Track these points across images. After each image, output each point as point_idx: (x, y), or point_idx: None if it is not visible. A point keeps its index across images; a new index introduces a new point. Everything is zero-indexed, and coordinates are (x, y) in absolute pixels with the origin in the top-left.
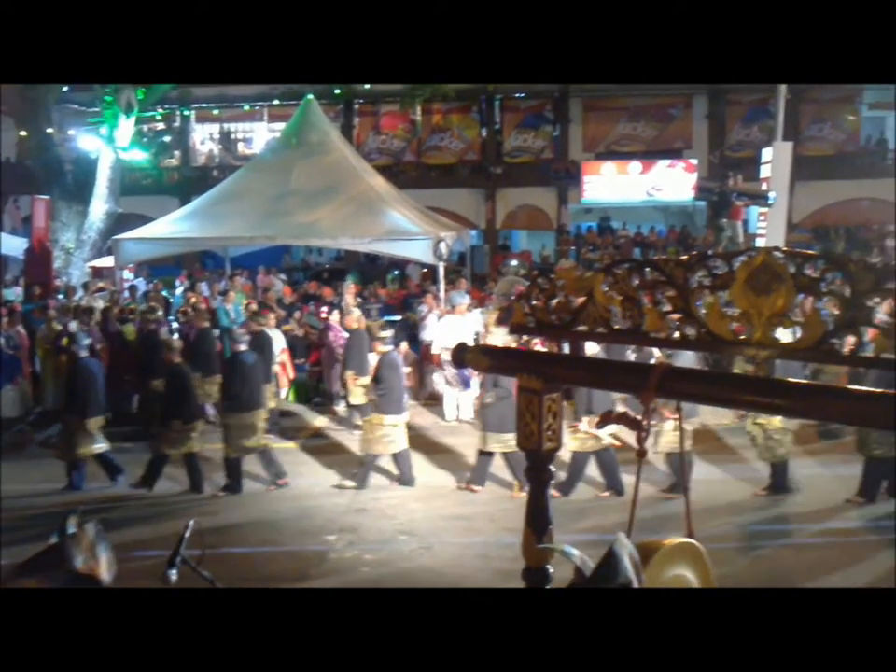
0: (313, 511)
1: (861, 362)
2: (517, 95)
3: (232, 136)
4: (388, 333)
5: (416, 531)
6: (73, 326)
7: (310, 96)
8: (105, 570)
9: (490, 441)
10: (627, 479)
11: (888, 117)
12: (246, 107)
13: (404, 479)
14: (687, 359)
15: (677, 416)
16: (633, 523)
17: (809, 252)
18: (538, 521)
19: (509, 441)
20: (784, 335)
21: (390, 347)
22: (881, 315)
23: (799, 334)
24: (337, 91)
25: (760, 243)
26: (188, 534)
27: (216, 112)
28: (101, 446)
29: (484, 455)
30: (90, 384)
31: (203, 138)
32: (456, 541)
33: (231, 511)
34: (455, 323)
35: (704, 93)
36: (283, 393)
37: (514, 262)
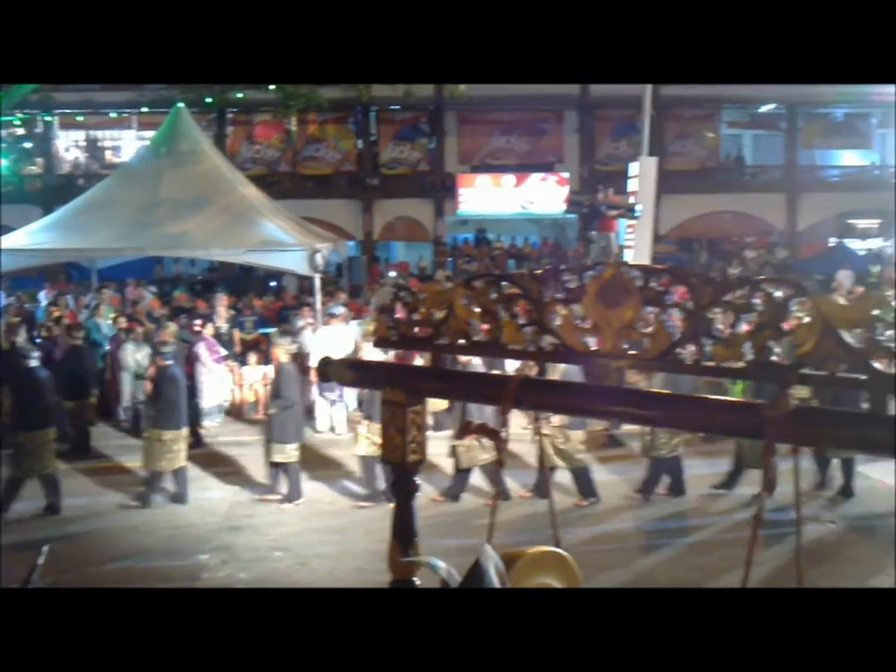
0: (185, 529)
1: (704, 371)
2: (393, 107)
3: (99, 144)
4: (169, 348)
5: (291, 547)
6: None
7: (180, 104)
8: None
9: (274, 451)
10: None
11: (744, 135)
12: (114, 114)
13: (179, 496)
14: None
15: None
16: (492, 531)
17: (654, 266)
18: (403, 533)
19: (290, 451)
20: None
21: (170, 362)
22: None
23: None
24: (209, 100)
25: (628, 254)
26: (41, 560)
27: (80, 118)
28: None
29: (276, 465)
30: None
31: (68, 145)
32: (332, 555)
33: (96, 532)
34: (329, 335)
35: (574, 108)
36: None
37: (392, 274)
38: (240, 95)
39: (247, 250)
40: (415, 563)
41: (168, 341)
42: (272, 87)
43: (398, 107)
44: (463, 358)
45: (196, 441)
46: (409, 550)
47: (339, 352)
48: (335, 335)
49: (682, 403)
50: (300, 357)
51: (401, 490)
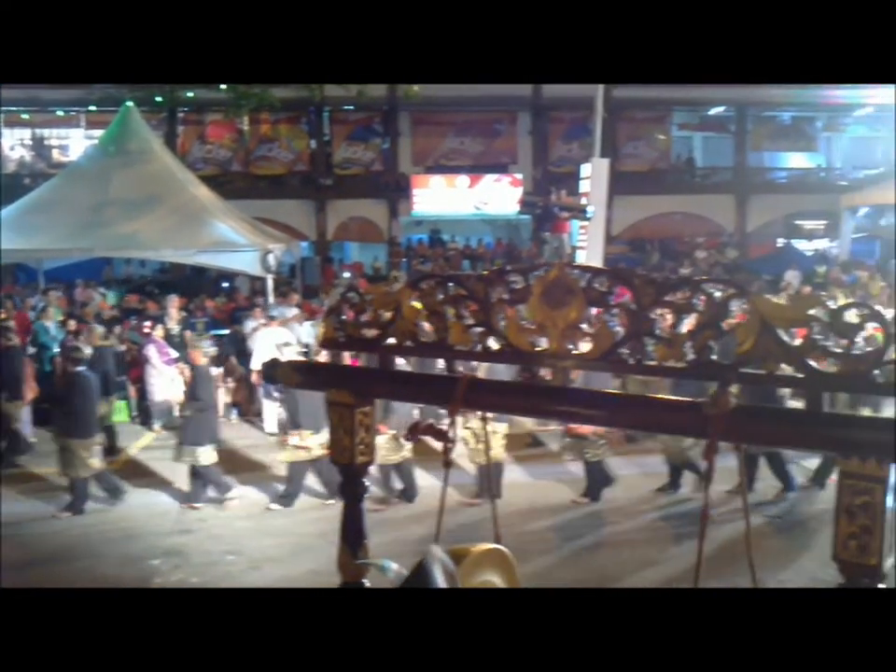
0: (135, 534)
1: (646, 371)
2: (346, 107)
3: (46, 142)
4: (84, 353)
5: (244, 551)
6: None
7: (129, 103)
8: None
9: (184, 454)
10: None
11: (695, 137)
12: (61, 112)
13: (76, 506)
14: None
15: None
16: (440, 531)
17: (598, 267)
18: (352, 535)
19: (199, 455)
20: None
21: (81, 368)
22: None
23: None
24: (159, 99)
25: (581, 255)
26: None
27: (26, 116)
28: None
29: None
30: None
31: (13, 144)
32: (285, 558)
33: (43, 537)
34: (270, 337)
35: (527, 110)
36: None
37: (347, 274)
38: (191, 94)
39: (199, 251)
40: (365, 565)
41: (80, 346)
42: (223, 86)
43: (351, 107)
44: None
45: (111, 448)
46: (358, 552)
47: (282, 354)
48: (277, 337)
49: (627, 402)
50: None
51: (350, 492)
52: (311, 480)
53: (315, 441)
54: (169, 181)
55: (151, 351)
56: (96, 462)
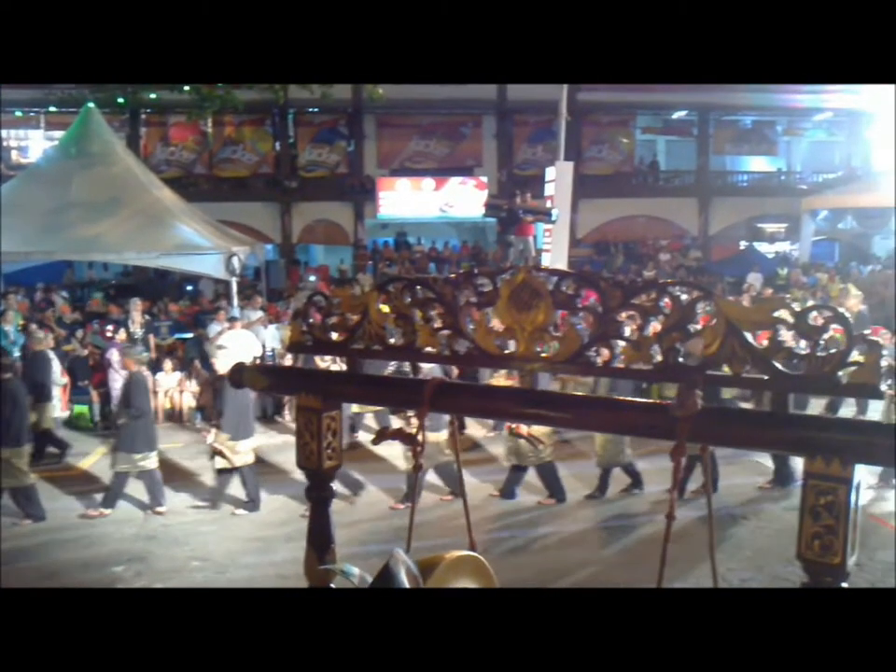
0: (99, 539)
1: (614, 373)
2: (311, 110)
3: (4, 144)
4: (10, 360)
5: (210, 556)
6: None
7: (90, 104)
8: None
9: (120, 461)
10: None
11: (658, 140)
12: (19, 113)
13: (32, 513)
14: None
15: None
16: (411, 535)
17: (565, 270)
18: (319, 540)
19: (138, 461)
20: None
21: (7, 375)
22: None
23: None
24: (121, 100)
25: (546, 257)
26: None
27: None
28: None
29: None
30: None
31: None
32: (252, 564)
33: (4, 543)
34: (231, 340)
35: (492, 113)
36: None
37: (313, 278)
38: (153, 96)
39: (162, 254)
40: (331, 570)
41: (5, 352)
42: (186, 88)
43: (316, 110)
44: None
45: (37, 454)
46: (325, 556)
47: (243, 357)
48: (237, 340)
49: (593, 405)
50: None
51: (317, 496)
52: (268, 486)
53: (245, 447)
54: (132, 183)
55: (115, 355)
56: (25, 473)
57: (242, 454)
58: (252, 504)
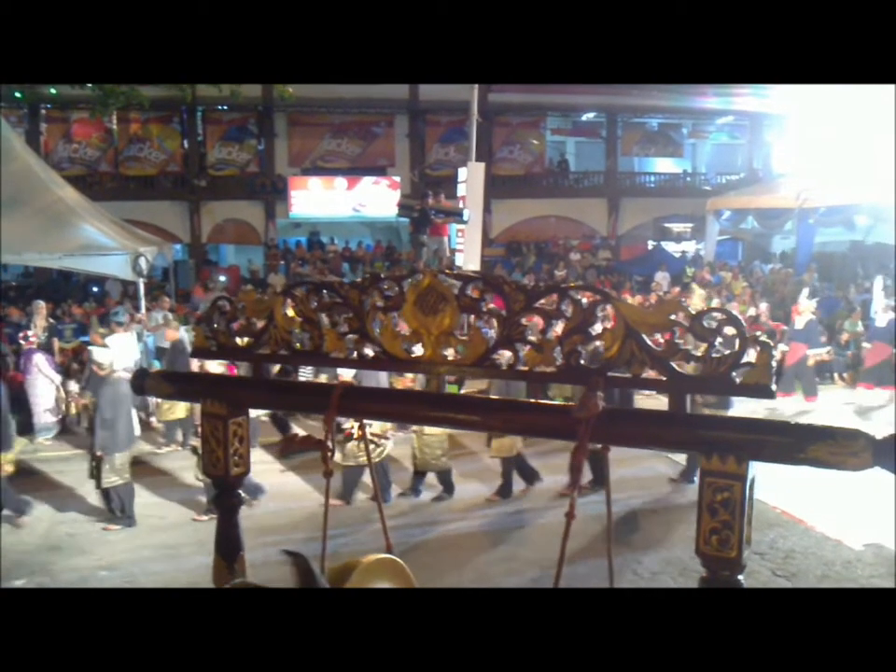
0: None
1: (518, 376)
2: (220, 107)
3: None
4: None
5: (118, 565)
6: None
7: None
8: None
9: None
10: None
11: (568, 142)
12: None
13: None
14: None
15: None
16: (326, 541)
17: (470, 274)
18: (227, 547)
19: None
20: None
21: None
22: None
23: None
24: (18, 94)
25: (459, 257)
26: None
27: None
28: None
29: None
30: None
31: None
32: (163, 572)
33: None
34: (117, 344)
35: (404, 113)
36: None
37: (223, 278)
38: (53, 91)
39: (65, 255)
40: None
41: None
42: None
43: (225, 107)
44: None
45: None
46: (234, 564)
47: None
48: (121, 345)
49: (500, 407)
50: None
51: (224, 504)
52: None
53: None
54: (32, 181)
55: (41, 359)
56: None
57: (119, 469)
58: (128, 520)
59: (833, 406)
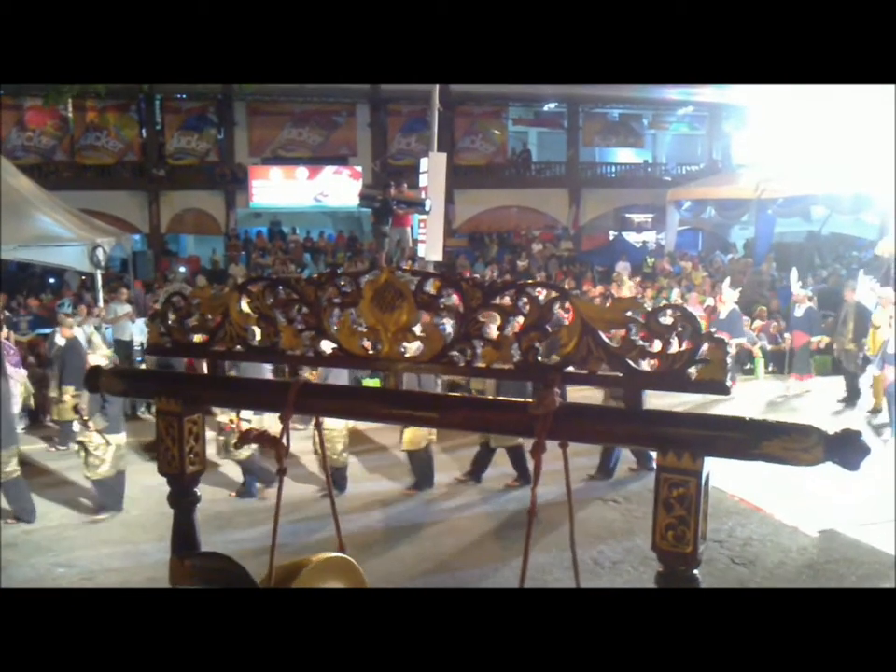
0: None
1: (476, 373)
2: (179, 96)
3: None
4: None
5: (76, 562)
6: None
7: None
8: None
9: None
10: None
11: (530, 132)
12: None
13: None
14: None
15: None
16: (276, 535)
17: (427, 271)
18: (184, 547)
19: None
20: None
21: None
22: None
23: None
24: None
25: (421, 248)
26: None
27: None
28: None
29: None
30: None
31: None
32: (122, 568)
33: None
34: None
35: (366, 102)
36: None
37: (182, 269)
38: None
39: (19, 246)
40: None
41: None
42: None
43: (183, 96)
44: None
45: None
46: (190, 563)
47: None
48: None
49: (457, 404)
50: None
51: (180, 502)
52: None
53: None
54: None
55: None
56: None
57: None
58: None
59: (751, 397)
